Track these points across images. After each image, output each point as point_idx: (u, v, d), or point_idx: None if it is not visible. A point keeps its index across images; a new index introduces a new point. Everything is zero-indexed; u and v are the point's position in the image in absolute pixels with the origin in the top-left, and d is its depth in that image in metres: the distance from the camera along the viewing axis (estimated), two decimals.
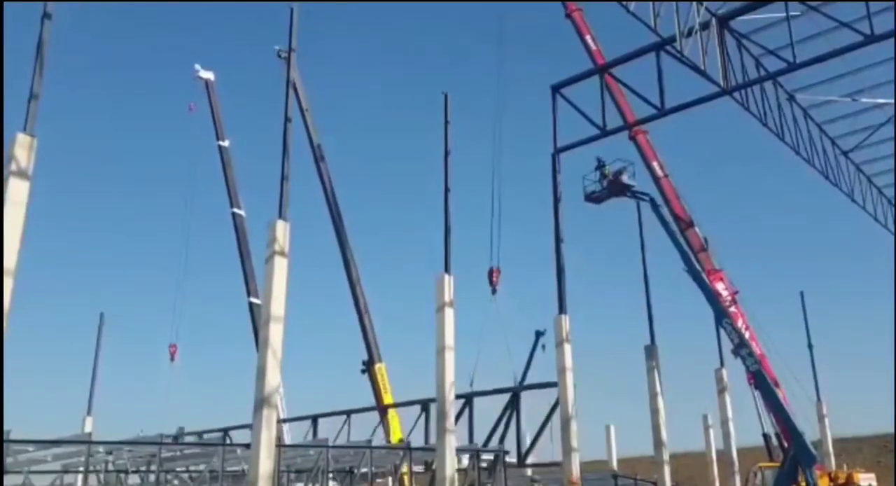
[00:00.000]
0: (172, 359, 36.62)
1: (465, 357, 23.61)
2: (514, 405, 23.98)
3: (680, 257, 27.96)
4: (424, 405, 25.52)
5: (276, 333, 15.47)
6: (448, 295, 20.18)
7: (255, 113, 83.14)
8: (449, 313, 20.14)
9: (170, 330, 37.22)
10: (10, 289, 11.61)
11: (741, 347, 26.29)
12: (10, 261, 11.67)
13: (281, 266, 15.86)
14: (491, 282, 23.70)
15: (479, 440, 24.32)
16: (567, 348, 22.09)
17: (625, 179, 28.00)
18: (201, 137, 38.38)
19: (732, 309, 27.89)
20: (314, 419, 29.76)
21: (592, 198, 28.31)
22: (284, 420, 29.35)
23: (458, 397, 22.08)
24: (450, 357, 19.67)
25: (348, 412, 29.63)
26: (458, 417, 23.10)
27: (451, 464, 18.91)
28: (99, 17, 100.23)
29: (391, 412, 30.86)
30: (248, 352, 33.06)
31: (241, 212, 36.96)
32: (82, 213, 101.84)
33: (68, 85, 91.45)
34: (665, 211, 28.64)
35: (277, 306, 15.59)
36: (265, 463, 14.61)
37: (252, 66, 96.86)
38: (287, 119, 17.26)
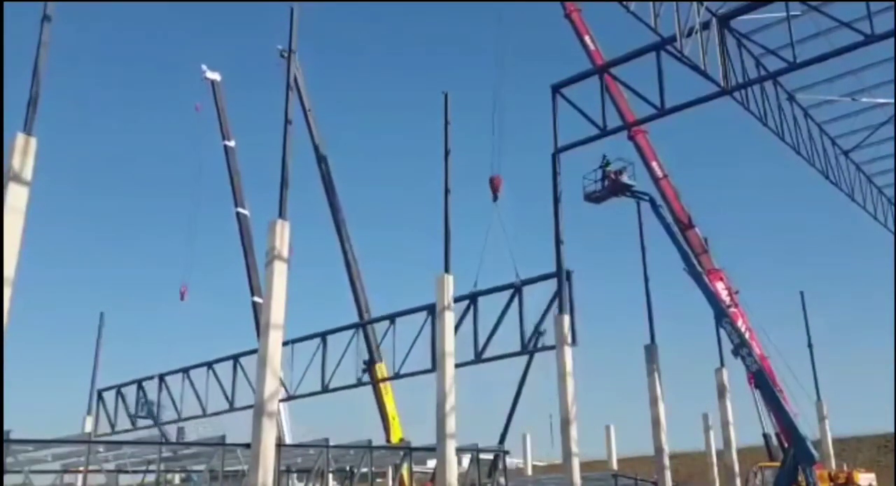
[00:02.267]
0: (182, 298, 37.44)
1: (469, 259, 24.25)
2: (517, 300, 24.14)
3: (680, 257, 28.00)
4: (431, 309, 25.51)
5: (275, 339, 15.46)
6: (448, 297, 20.06)
7: (261, 111, 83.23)
8: (449, 317, 19.98)
9: (182, 273, 38.81)
10: (9, 297, 11.53)
11: (741, 347, 26.32)
12: (9, 269, 11.58)
13: (280, 271, 15.83)
14: (493, 189, 24.31)
15: (483, 339, 24.49)
16: (567, 351, 21.90)
17: (625, 178, 27.98)
18: (207, 137, 38.79)
19: (732, 309, 27.92)
20: (323, 337, 29.54)
21: (592, 198, 28.28)
22: (290, 341, 28.71)
23: (461, 298, 22.75)
24: (450, 363, 19.54)
25: (357, 326, 29.55)
26: (462, 319, 23.65)
27: (453, 468, 18.85)
28: (106, 16, 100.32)
29: (392, 414, 30.87)
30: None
31: (246, 212, 37.11)
32: (84, 212, 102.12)
33: (73, 85, 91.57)
34: (665, 211, 28.65)
35: (277, 311, 15.58)
36: (264, 472, 14.58)
37: (258, 63, 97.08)
38: (287, 121, 17.21)
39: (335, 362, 29.02)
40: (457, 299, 22.60)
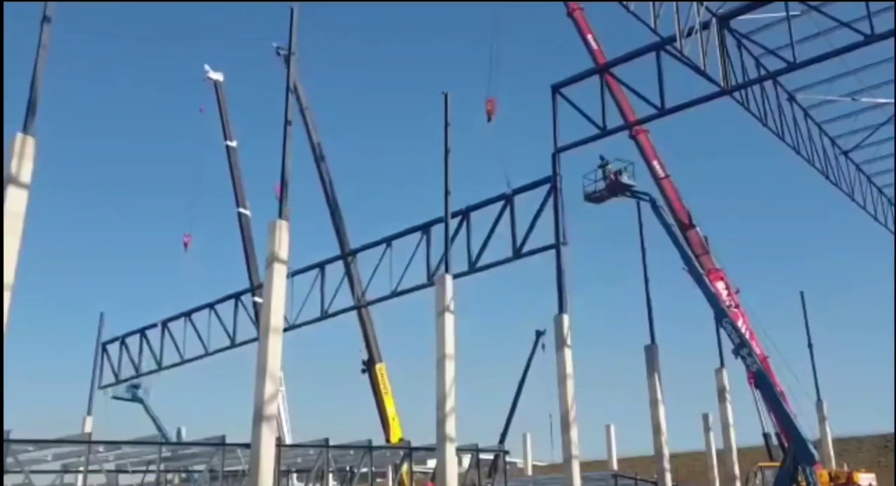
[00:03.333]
0: (186, 247, 38.30)
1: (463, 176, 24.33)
2: (508, 209, 24.56)
3: (681, 258, 27.97)
4: (425, 229, 26.05)
5: (274, 343, 15.47)
6: (448, 298, 19.96)
7: (261, 110, 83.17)
8: (449, 319, 19.82)
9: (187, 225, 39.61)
10: (9, 301, 11.41)
11: (741, 347, 26.30)
12: (9, 274, 11.46)
13: (280, 273, 15.82)
14: (487, 111, 25.03)
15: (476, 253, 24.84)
16: (568, 353, 21.73)
17: (625, 179, 27.95)
18: (209, 138, 39.02)
19: (733, 309, 27.88)
20: (321, 267, 29.99)
21: (592, 198, 28.23)
22: (290, 274, 29.02)
23: (455, 214, 23.45)
24: (450, 366, 19.45)
25: (353, 252, 29.81)
26: (455, 234, 24.08)
27: (453, 469, 18.81)
28: (110, 17, 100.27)
29: (392, 414, 30.89)
30: None
31: (247, 212, 37.16)
32: (85, 213, 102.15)
33: (74, 86, 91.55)
34: (665, 212, 28.61)
35: (277, 314, 15.61)
36: (264, 472, 14.57)
37: (256, 62, 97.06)
38: (287, 123, 17.14)
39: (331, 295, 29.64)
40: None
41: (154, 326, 35.61)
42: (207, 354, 33.13)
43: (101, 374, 37.54)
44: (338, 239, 33.24)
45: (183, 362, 34.14)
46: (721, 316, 27.11)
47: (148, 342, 35.76)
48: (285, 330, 28.66)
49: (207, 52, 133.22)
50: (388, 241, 27.60)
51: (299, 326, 29.75)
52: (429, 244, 25.91)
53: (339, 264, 30.51)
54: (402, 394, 31.66)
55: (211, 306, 33.45)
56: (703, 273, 27.86)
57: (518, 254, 24.03)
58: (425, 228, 26.04)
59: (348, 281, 30.89)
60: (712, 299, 27.27)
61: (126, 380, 36.69)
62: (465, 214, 25.15)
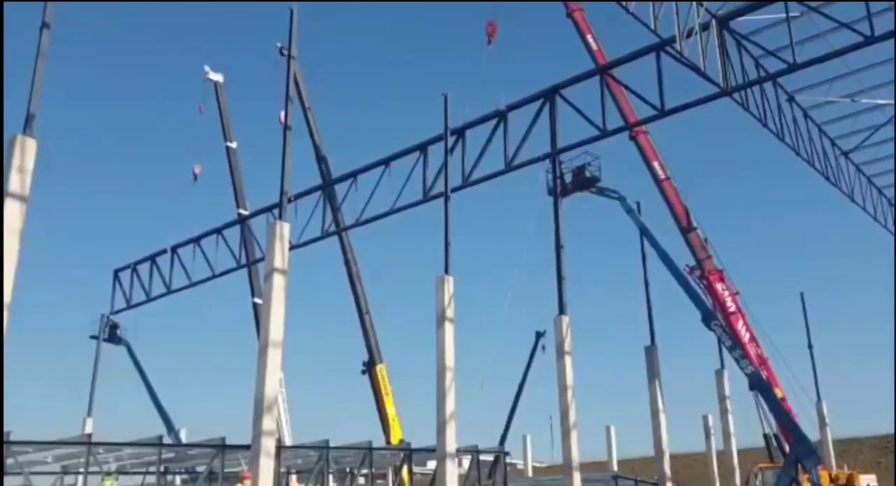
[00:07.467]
0: (195, 178, 38.80)
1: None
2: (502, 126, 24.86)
3: (660, 259, 27.89)
4: (422, 148, 26.09)
5: (274, 355, 15.50)
6: (448, 301, 19.79)
7: (262, 110, 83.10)
8: (449, 329, 19.63)
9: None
10: (7, 319, 11.27)
11: (732, 350, 26.28)
12: (7, 292, 11.30)
13: (279, 285, 15.80)
14: (488, 34, 25.65)
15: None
16: (568, 360, 21.56)
17: (587, 173, 28.00)
18: (210, 138, 39.04)
19: (732, 308, 27.84)
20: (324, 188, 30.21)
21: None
22: (294, 197, 28.82)
23: (452, 132, 24.18)
24: (449, 376, 19.36)
25: (354, 174, 29.32)
26: (453, 150, 24.65)
27: (453, 472, 18.80)
28: (113, 18, 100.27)
29: (392, 415, 30.86)
30: None
31: (247, 213, 37.07)
32: (85, 214, 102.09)
33: (73, 86, 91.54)
34: (636, 214, 28.55)
35: (276, 327, 15.62)
36: (265, 474, 14.59)
37: (258, 62, 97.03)
38: (286, 127, 17.07)
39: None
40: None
41: (164, 252, 35.70)
42: (215, 276, 33.56)
43: (113, 303, 38.06)
44: (339, 241, 33.21)
45: (192, 284, 34.27)
46: (709, 319, 26.89)
47: (158, 269, 35.98)
48: (293, 248, 29.04)
49: (207, 53, 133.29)
50: (386, 162, 27.43)
51: (302, 245, 29.36)
52: (425, 164, 25.92)
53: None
54: (402, 394, 31.67)
55: (218, 231, 33.69)
56: (688, 276, 27.79)
57: (509, 166, 24.29)
58: (422, 148, 26.08)
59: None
60: (698, 302, 27.14)
61: (137, 305, 36.67)
62: (460, 132, 25.43)
